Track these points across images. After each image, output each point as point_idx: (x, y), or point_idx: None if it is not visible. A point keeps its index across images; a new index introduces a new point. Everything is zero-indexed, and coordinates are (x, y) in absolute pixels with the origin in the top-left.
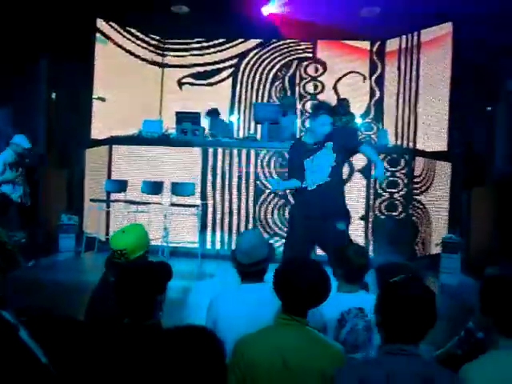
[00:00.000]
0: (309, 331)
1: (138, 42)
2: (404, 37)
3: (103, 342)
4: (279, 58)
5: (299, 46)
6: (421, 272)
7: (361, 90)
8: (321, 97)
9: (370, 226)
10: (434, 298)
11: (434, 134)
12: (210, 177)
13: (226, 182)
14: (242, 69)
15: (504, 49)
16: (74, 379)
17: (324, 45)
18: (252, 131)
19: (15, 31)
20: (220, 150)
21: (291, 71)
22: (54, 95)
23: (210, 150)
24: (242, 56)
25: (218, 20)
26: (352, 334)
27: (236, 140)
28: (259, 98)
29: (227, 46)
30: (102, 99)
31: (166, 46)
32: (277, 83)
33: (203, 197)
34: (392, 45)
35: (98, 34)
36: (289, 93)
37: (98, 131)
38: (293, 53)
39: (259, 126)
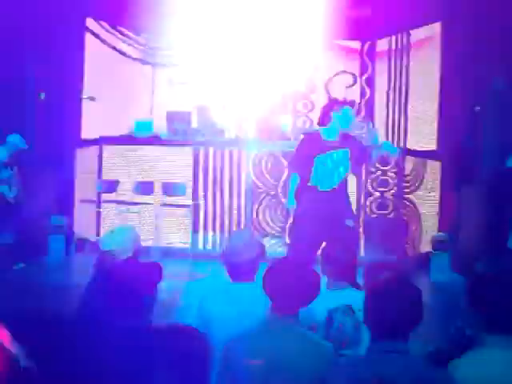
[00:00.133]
0: (298, 330)
1: (129, 41)
2: (394, 37)
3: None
4: None
5: None
6: (410, 270)
7: (351, 89)
8: (312, 96)
9: (360, 224)
10: (419, 295)
11: (424, 134)
12: (201, 177)
13: (218, 182)
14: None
15: (491, 48)
16: (60, 379)
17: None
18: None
19: (2, 30)
20: (211, 150)
21: None
22: (42, 95)
23: (202, 150)
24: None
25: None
26: (340, 331)
27: (227, 139)
28: None
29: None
30: (92, 99)
31: (157, 45)
32: None
33: (195, 197)
34: (382, 45)
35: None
36: None
37: (88, 131)
38: None
39: None
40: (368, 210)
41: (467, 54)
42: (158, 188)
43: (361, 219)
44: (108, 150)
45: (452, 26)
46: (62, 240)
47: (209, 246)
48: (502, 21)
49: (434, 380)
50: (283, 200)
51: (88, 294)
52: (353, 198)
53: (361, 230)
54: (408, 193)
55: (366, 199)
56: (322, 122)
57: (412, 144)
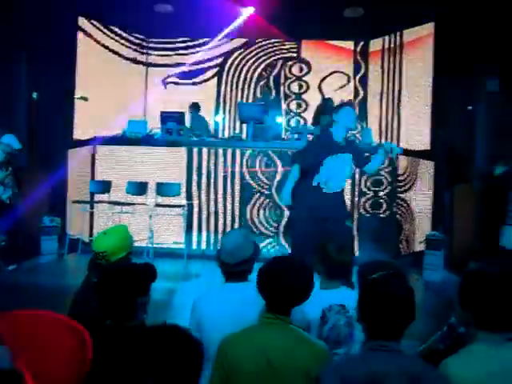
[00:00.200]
0: (292, 330)
1: (122, 40)
2: (387, 37)
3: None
4: (264, 58)
5: (284, 45)
6: (404, 269)
7: (345, 89)
8: (306, 96)
9: (354, 224)
10: (412, 295)
11: (417, 133)
12: (195, 177)
13: (212, 182)
14: (226, 68)
15: (484, 49)
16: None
17: (308, 45)
18: (237, 131)
19: None
20: (205, 150)
21: (276, 71)
22: (35, 95)
23: (195, 150)
24: (226, 55)
25: (202, 19)
26: (334, 330)
27: (221, 139)
28: (244, 97)
29: (212, 45)
30: (85, 99)
31: (150, 45)
32: (262, 83)
33: (189, 197)
34: (375, 45)
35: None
36: (273, 92)
37: (80, 131)
38: (277, 52)
39: (245, 126)
40: (362, 209)
41: (460, 54)
42: (151, 188)
43: (355, 218)
44: (101, 151)
45: (446, 26)
46: (55, 241)
47: (203, 246)
48: (495, 21)
49: (427, 378)
50: (277, 200)
51: (81, 295)
52: (347, 198)
53: (355, 229)
54: (402, 192)
55: (359, 198)
56: (315, 122)
57: (405, 144)
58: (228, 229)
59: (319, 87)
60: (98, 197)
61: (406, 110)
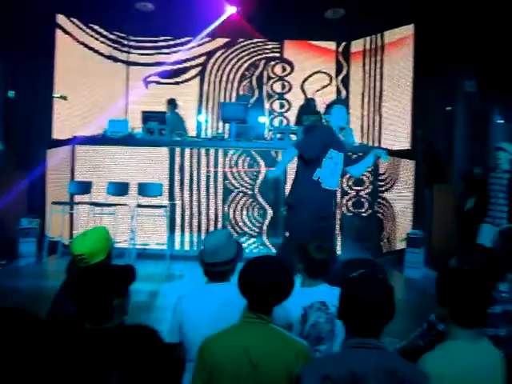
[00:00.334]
0: (273, 329)
1: (102, 39)
2: (368, 38)
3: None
4: (246, 58)
5: (266, 45)
6: (385, 267)
7: (327, 89)
8: (288, 96)
9: (337, 223)
10: (391, 293)
11: (397, 133)
12: (177, 177)
13: (195, 182)
14: (209, 68)
15: (463, 51)
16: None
17: (291, 45)
18: (220, 130)
19: None
20: (187, 150)
21: (259, 71)
22: (11, 94)
23: (178, 150)
24: (209, 55)
25: (184, 18)
26: (315, 327)
27: (204, 139)
28: (227, 97)
29: (194, 44)
30: (64, 98)
31: (131, 43)
32: (244, 83)
33: (171, 197)
34: (357, 46)
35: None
36: (256, 92)
37: (60, 131)
38: (260, 52)
39: (228, 125)
40: (344, 208)
41: (439, 55)
42: (133, 189)
43: (337, 217)
44: (81, 151)
45: (425, 28)
46: (34, 243)
47: (186, 247)
48: (474, 24)
49: (405, 374)
50: (260, 199)
51: (59, 298)
52: None
53: (337, 228)
54: (383, 191)
55: (342, 198)
56: (298, 122)
57: (386, 143)
58: (211, 229)
59: (302, 87)
60: (78, 198)
61: (387, 110)
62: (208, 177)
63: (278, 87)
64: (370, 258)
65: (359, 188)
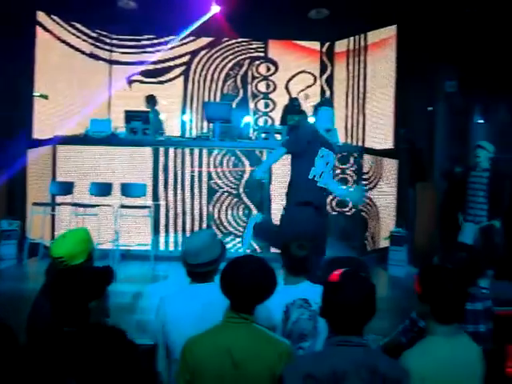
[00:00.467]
0: (256, 329)
1: (84, 37)
2: (352, 38)
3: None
4: (231, 57)
5: (251, 45)
6: (370, 265)
7: (312, 89)
8: (273, 96)
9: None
10: (372, 291)
11: (381, 133)
12: (161, 177)
13: (179, 182)
14: (193, 67)
15: (444, 51)
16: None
17: (275, 45)
18: (205, 130)
19: None
20: (172, 150)
21: (243, 70)
22: None
23: (161, 150)
24: (193, 54)
25: (168, 17)
26: (298, 324)
27: (188, 139)
28: (212, 96)
29: (178, 43)
30: (45, 97)
31: (114, 42)
32: (229, 82)
33: (155, 197)
34: (341, 46)
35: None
36: (241, 91)
37: (40, 131)
38: (244, 52)
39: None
40: (329, 207)
41: (421, 55)
42: (116, 189)
43: None
44: (62, 150)
45: (407, 28)
46: (14, 245)
47: (171, 247)
48: (455, 24)
49: (388, 371)
50: (245, 199)
51: (39, 300)
52: None
53: None
54: (367, 190)
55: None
56: (283, 122)
57: (370, 142)
58: (196, 229)
59: (286, 87)
60: (60, 198)
61: (371, 109)
62: (192, 177)
63: (262, 87)
64: (353, 257)
65: (340, 185)
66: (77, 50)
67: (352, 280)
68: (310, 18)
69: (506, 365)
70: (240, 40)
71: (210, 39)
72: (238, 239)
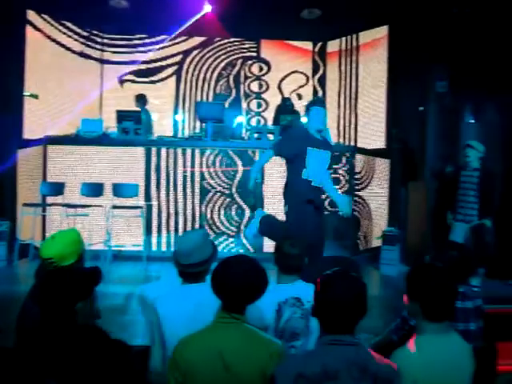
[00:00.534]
0: (247, 329)
1: (75, 36)
2: (344, 38)
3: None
4: (223, 57)
5: (243, 44)
6: (362, 265)
7: (304, 89)
8: (265, 96)
9: None
10: (364, 290)
11: (373, 132)
12: (153, 177)
13: (171, 182)
14: (185, 67)
15: (435, 51)
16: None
17: (268, 44)
18: (198, 130)
19: None
20: (164, 150)
21: (236, 70)
22: None
23: (154, 150)
24: (185, 54)
25: (159, 16)
26: (290, 322)
27: (180, 139)
28: (204, 96)
29: (170, 43)
30: (35, 96)
31: (105, 41)
32: (221, 82)
33: (147, 198)
34: (333, 46)
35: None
36: (233, 91)
37: (30, 130)
38: (237, 51)
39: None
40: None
41: (412, 56)
42: (108, 189)
43: None
44: (53, 151)
45: (399, 29)
46: (4, 246)
47: (163, 248)
48: (446, 25)
49: (379, 370)
50: (238, 199)
51: (28, 301)
52: None
53: None
54: (359, 190)
55: None
56: (275, 122)
57: (362, 142)
58: (188, 229)
59: (279, 87)
60: (50, 199)
61: (363, 109)
62: (185, 177)
63: (255, 87)
64: (345, 256)
65: (335, 187)
66: (68, 49)
67: (343, 279)
68: (302, 18)
69: (495, 363)
70: (232, 40)
71: (203, 39)
72: (231, 239)
